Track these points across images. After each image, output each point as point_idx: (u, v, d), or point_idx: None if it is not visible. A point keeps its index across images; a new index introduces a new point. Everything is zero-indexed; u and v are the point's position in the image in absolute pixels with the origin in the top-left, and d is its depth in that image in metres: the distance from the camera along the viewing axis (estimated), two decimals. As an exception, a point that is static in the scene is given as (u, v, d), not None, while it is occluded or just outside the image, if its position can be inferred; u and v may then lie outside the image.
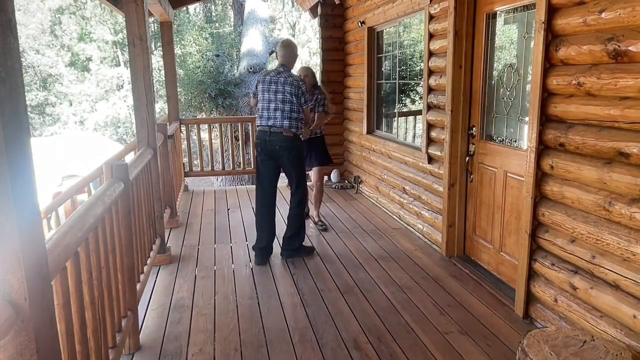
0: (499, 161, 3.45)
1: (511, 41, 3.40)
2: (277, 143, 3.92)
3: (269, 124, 3.93)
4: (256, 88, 4.08)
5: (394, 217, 5.21)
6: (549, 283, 2.78)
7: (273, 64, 15.93)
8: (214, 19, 16.65)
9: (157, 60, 13.91)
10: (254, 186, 4.35)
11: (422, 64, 4.61)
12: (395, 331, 2.89)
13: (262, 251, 4.03)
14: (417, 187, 4.67)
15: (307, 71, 4.90)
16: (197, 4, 14.58)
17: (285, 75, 3.97)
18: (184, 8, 13.67)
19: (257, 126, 4.03)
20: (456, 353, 2.65)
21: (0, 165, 1.08)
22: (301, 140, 4.12)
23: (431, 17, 4.15)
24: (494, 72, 3.53)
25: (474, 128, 3.74)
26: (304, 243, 4.19)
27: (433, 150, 4.25)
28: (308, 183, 4.49)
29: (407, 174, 4.87)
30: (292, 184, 4.18)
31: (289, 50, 4.09)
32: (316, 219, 5.05)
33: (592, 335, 2.16)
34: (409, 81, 5.35)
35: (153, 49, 15.22)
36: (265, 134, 3.94)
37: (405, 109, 5.73)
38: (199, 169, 6.98)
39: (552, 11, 2.61)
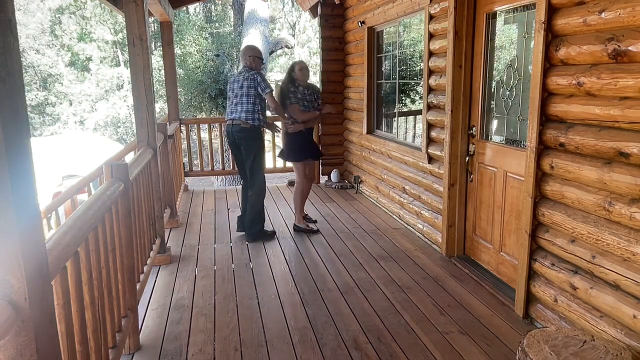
0: (499, 161, 3.45)
1: (511, 41, 3.40)
2: (236, 134, 4.44)
3: (231, 117, 4.45)
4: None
5: (394, 217, 5.21)
6: (549, 283, 2.78)
7: (273, 64, 15.94)
8: (214, 19, 16.65)
9: (157, 60, 13.91)
10: None
11: (422, 64, 4.61)
12: (395, 331, 2.89)
13: (240, 219, 4.73)
14: (417, 187, 4.67)
15: (301, 65, 4.81)
16: (197, 4, 14.58)
17: (245, 73, 4.46)
18: (184, 8, 13.67)
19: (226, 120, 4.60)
20: (456, 353, 2.65)
21: (0, 165, 1.08)
22: (259, 132, 4.50)
23: (431, 17, 4.15)
24: (494, 72, 3.52)
25: (474, 128, 3.74)
26: (265, 228, 4.70)
27: (433, 150, 4.25)
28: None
29: (407, 174, 4.87)
30: (250, 174, 4.56)
31: (241, 54, 4.70)
32: (300, 225, 4.81)
33: (592, 335, 2.16)
34: (409, 81, 5.35)
35: (153, 49, 15.21)
36: (229, 127, 4.49)
37: (405, 109, 5.73)
38: (199, 169, 6.98)
39: (552, 11, 2.61)
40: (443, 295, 3.36)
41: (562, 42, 2.55)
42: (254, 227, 4.61)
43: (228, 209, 5.66)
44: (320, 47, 6.97)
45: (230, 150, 4.77)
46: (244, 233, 4.69)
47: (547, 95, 2.70)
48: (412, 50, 5.23)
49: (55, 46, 19.29)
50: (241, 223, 4.74)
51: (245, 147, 4.46)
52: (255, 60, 4.52)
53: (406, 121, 5.70)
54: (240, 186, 4.96)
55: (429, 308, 3.17)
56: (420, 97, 4.88)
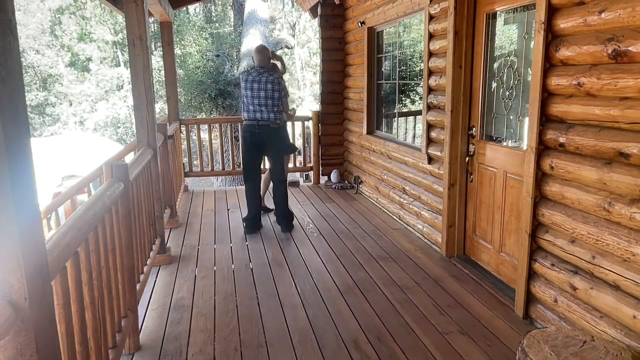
0: (499, 161, 3.45)
1: (511, 41, 3.40)
2: (265, 134, 4.61)
3: (256, 117, 4.58)
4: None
5: (394, 217, 5.21)
6: (549, 283, 2.78)
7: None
8: (214, 19, 16.66)
9: (157, 60, 13.92)
10: (244, 184, 4.92)
11: (422, 64, 4.61)
12: (395, 331, 2.89)
13: (253, 221, 4.81)
14: (417, 188, 4.67)
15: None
16: (197, 4, 14.59)
17: (267, 75, 4.60)
18: (184, 8, 13.68)
19: (244, 119, 4.71)
20: (456, 353, 2.65)
21: (1, 165, 1.08)
22: (286, 130, 4.91)
23: (431, 17, 4.15)
24: (494, 72, 3.53)
25: (474, 128, 3.74)
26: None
27: (433, 151, 4.25)
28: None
29: (407, 174, 4.87)
30: (277, 169, 4.81)
31: (262, 55, 4.72)
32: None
33: (592, 336, 2.16)
34: (409, 81, 5.35)
35: (153, 49, 15.22)
36: (254, 127, 4.60)
37: (405, 109, 5.73)
38: (199, 169, 6.98)
39: (552, 11, 2.61)
40: (443, 295, 3.36)
41: (562, 43, 2.55)
42: (291, 216, 4.93)
43: (228, 209, 5.66)
44: (320, 47, 6.97)
45: (244, 150, 4.78)
46: (249, 232, 4.75)
47: (547, 95, 2.70)
48: (412, 50, 5.23)
49: (55, 46, 19.31)
50: (252, 225, 4.78)
51: (274, 144, 4.70)
52: (270, 61, 4.78)
53: (406, 121, 5.70)
54: (244, 187, 4.90)
55: (429, 308, 3.17)
56: (420, 98, 4.88)
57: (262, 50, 4.76)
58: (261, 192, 5.11)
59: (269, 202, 5.35)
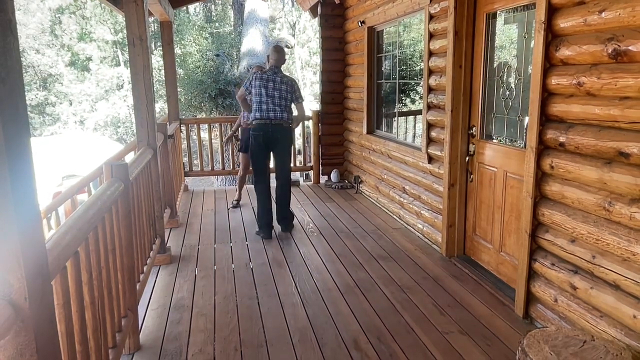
0: (499, 161, 3.45)
1: (511, 41, 3.40)
2: (278, 133, 4.58)
3: (269, 115, 4.53)
4: (250, 84, 4.67)
5: (394, 217, 5.21)
6: (549, 283, 2.78)
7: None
8: (214, 18, 16.67)
9: (157, 60, 13.91)
10: (254, 185, 4.80)
11: (422, 64, 4.61)
12: (395, 331, 2.89)
13: (269, 227, 4.68)
14: (417, 187, 4.67)
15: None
16: (197, 4, 14.60)
17: (281, 75, 4.63)
18: (184, 8, 13.69)
19: (256, 118, 4.59)
20: (456, 353, 2.65)
21: (0, 165, 1.08)
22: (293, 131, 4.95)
23: (431, 17, 4.15)
24: (494, 72, 3.52)
25: (474, 128, 3.74)
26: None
27: (433, 150, 4.25)
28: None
29: (407, 174, 4.87)
30: (284, 168, 4.80)
31: (281, 54, 4.72)
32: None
33: (592, 335, 2.16)
34: (409, 81, 5.35)
35: (153, 49, 15.22)
36: (267, 126, 4.54)
37: (405, 109, 5.73)
38: (199, 169, 6.98)
39: (552, 11, 2.61)
40: (443, 295, 3.36)
41: (562, 42, 2.55)
42: (292, 217, 4.95)
43: (228, 209, 5.66)
44: (320, 47, 6.97)
45: (255, 150, 4.67)
46: (267, 237, 4.64)
47: (547, 95, 2.70)
48: (412, 50, 5.23)
49: (55, 46, 19.29)
50: (269, 230, 4.66)
51: (283, 143, 4.68)
52: (285, 61, 4.83)
53: (406, 121, 5.70)
54: (255, 189, 4.76)
55: (429, 308, 3.17)
56: (420, 97, 4.88)
57: (280, 50, 4.77)
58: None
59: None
